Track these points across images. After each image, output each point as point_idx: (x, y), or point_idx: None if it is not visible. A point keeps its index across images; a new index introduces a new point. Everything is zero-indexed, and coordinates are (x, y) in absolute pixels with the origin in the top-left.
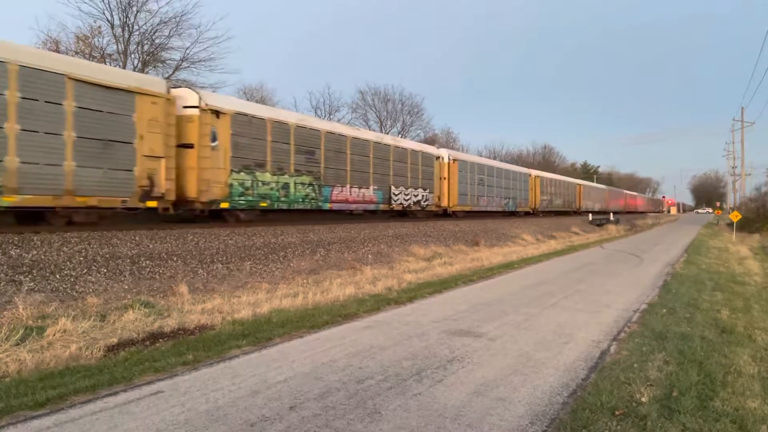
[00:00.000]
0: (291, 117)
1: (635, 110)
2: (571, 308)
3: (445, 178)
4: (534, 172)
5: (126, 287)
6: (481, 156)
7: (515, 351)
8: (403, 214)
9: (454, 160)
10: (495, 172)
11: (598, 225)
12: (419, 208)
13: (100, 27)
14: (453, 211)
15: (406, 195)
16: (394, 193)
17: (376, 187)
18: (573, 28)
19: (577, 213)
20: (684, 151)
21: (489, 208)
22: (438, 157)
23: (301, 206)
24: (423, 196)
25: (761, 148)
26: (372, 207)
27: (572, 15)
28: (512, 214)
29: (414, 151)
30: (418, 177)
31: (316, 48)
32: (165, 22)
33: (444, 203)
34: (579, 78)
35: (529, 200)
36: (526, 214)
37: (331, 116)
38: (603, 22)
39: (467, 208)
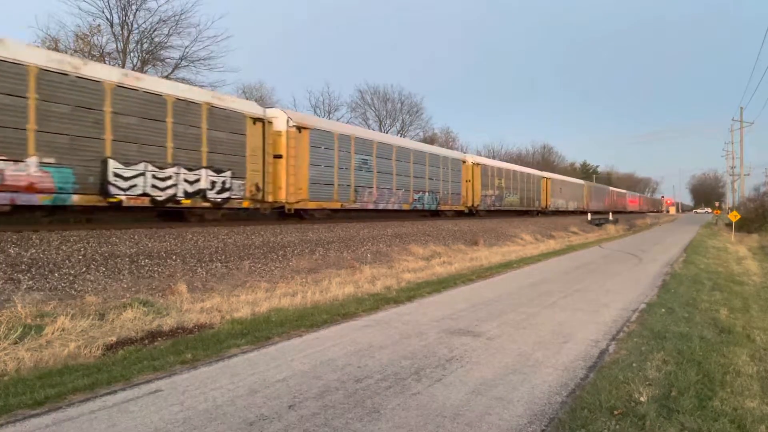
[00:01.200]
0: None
1: (635, 110)
2: (570, 308)
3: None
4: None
5: (125, 286)
6: (480, 155)
7: (514, 350)
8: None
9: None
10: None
11: (597, 225)
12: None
13: (99, 25)
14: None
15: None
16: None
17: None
18: (572, 28)
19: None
20: (683, 151)
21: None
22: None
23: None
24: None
25: (760, 148)
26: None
27: (571, 15)
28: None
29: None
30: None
31: (316, 47)
32: (164, 21)
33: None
34: (578, 78)
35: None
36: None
37: (331, 115)
38: (602, 22)
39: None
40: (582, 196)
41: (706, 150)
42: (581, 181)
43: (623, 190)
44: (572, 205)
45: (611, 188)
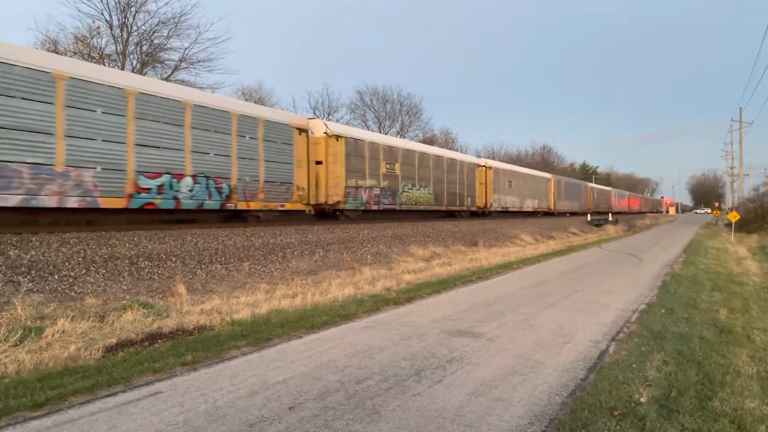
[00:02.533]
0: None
1: (634, 110)
2: (570, 308)
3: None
4: (553, 177)
5: (125, 288)
6: (479, 156)
7: (514, 351)
8: (452, 214)
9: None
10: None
11: (597, 225)
12: (464, 208)
13: (98, 27)
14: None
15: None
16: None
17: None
18: (572, 28)
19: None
20: (682, 151)
21: (515, 209)
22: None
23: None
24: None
25: (759, 148)
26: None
27: (571, 15)
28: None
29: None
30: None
31: (315, 48)
32: (164, 23)
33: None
34: (577, 78)
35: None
36: (545, 214)
37: (330, 117)
38: (602, 23)
39: (500, 209)
40: (546, 193)
41: (706, 150)
42: (548, 175)
43: (607, 187)
44: (530, 204)
45: (629, 193)
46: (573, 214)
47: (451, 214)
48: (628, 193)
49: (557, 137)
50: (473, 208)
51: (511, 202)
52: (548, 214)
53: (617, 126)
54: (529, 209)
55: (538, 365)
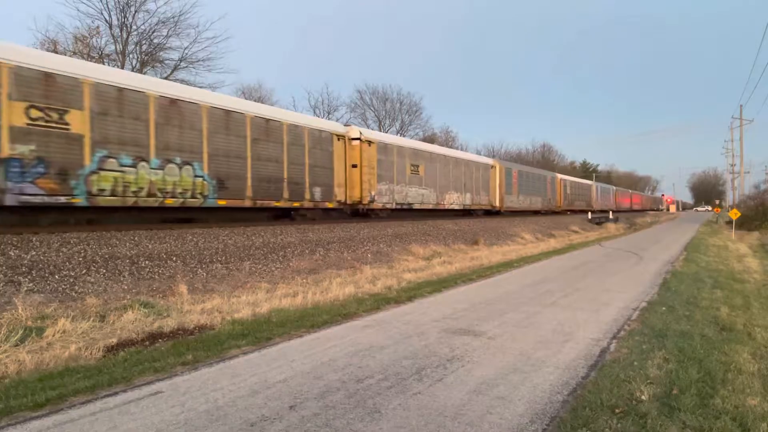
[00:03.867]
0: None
1: (635, 108)
2: (571, 307)
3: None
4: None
5: (125, 287)
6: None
7: (515, 349)
8: (469, 213)
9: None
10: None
11: (598, 223)
12: (548, 209)
13: (98, 27)
14: (502, 210)
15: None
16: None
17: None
18: (571, 27)
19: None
20: (683, 149)
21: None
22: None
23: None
24: (552, 202)
25: (760, 145)
26: (456, 207)
27: (570, 14)
28: (539, 212)
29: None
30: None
31: (315, 47)
32: (163, 22)
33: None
34: (577, 77)
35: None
36: (553, 212)
37: (330, 116)
38: (601, 21)
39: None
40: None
41: (706, 148)
42: (489, 160)
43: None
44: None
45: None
46: (536, 212)
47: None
48: (614, 188)
49: (557, 135)
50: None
51: (413, 196)
52: (491, 213)
53: (618, 124)
54: (456, 206)
55: (539, 363)
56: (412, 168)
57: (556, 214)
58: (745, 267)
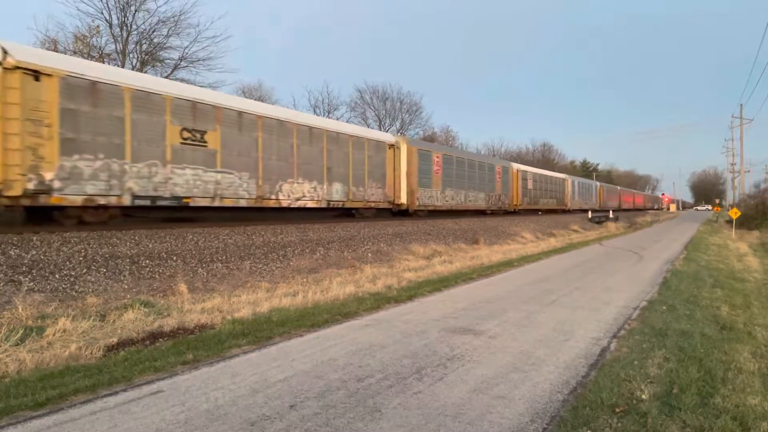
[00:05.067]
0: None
1: (635, 108)
2: (571, 305)
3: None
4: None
5: (126, 287)
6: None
7: (515, 348)
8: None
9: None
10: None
11: (598, 222)
12: (498, 207)
13: (98, 26)
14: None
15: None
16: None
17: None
18: (571, 26)
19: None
20: (683, 148)
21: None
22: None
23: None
24: (503, 199)
25: (760, 145)
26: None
27: (570, 14)
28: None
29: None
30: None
31: (315, 47)
32: (163, 22)
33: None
34: (578, 76)
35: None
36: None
37: (330, 115)
38: (602, 20)
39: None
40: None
41: (706, 147)
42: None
43: (561, 175)
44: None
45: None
46: (481, 212)
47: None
48: (597, 183)
49: (558, 135)
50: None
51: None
52: (396, 214)
53: (618, 123)
54: (308, 202)
55: (539, 362)
56: (187, 136)
57: (515, 215)
58: (746, 266)
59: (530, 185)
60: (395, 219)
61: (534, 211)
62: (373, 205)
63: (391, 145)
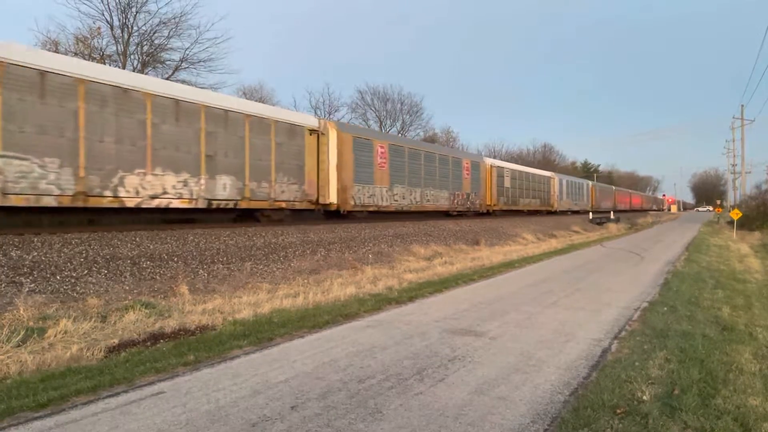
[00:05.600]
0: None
1: (635, 108)
2: (572, 307)
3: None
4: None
5: (127, 288)
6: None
7: (516, 350)
8: (248, 214)
9: (492, 166)
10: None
11: (599, 224)
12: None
13: (99, 28)
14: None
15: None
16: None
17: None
18: (572, 27)
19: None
20: (684, 149)
21: (408, 206)
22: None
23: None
24: (473, 198)
25: (761, 145)
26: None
27: (571, 14)
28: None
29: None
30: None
31: (316, 47)
32: (164, 23)
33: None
34: (579, 77)
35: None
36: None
37: (331, 116)
38: (603, 20)
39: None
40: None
41: (708, 148)
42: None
43: (546, 172)
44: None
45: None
46: (445, 214)
47: (247, 215)
48: (589, 183)
49: (559, 136)
50: (303, 205)
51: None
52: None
53: (619, 124)
54: (172, 199)
55: (540, 363)
56: (504, 179)
57: (488, 217)
58: (747, 267)
59: (508, 183)
60: (318, 224)
61: (513, 213)
62: (284, 205)
63: (313, 131)
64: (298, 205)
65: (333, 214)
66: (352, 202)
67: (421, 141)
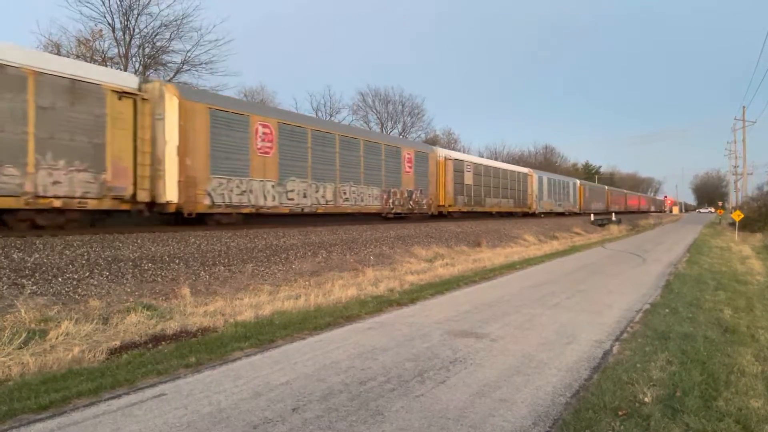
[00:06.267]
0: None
1: (636, 110)
2: (574, 308)
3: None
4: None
5: (128, 290)
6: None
7: (518, 351)
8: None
9: (447, 158)
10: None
11: (600, 225)
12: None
13: (101, 30)
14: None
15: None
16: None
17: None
18: (574, 27)
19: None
20: (686, 150)
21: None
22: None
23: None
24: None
25: (763, 147)
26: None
27: (573, 14)
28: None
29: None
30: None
31: (317, 49)
32: (166, 25)
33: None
34: (580, 78)
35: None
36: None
37: (332, 118)
38: (604, 21)
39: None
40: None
41: (709, 149)
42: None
43: (521, 168)
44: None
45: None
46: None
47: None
48: (576, 181)
49: (560, 137)
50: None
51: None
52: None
53: (620, 125)
54: None
55: (541, 365)
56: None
57: (444, 219)
58: (748, 269)
59: (469, 179)
60: (317, 226)
61: (476, 215)
62: (59, 204)
63: (131, 94)
64: (92, 204)
65: (175, 218)
66: (207, 201)
67: (341, 124)
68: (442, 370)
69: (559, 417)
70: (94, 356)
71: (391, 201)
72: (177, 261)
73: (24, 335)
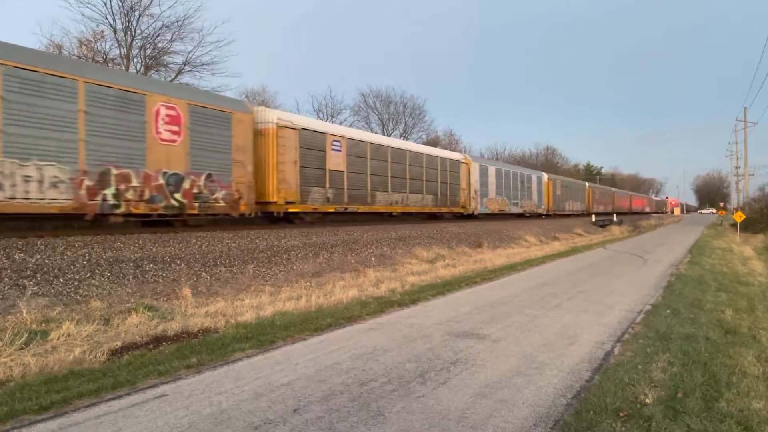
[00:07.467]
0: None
1: (638, 111)
2: (575, 309)
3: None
4: (473, 161)
5: (129, 291)
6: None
7: (519, 353)
8: (541, 216)
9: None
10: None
11: (602, 226)
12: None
13: (102, 31)
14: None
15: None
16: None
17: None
18: (575, 28)
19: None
20: (687, 151)
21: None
22: (464, 163)
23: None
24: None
25: (764, 147)
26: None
27: (574, 16)
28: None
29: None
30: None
31: (318, 50)
32: (167, 27)
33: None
34: (582, 79)
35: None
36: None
37: (334, 119)
38: (605, 22)
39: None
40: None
41: (710, 150)
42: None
43: (645, 195)
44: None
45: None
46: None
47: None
48: (560, 179)
49: (561, 138)
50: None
51: None
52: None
53: (621, 126)
54: None
55: (542, 366)
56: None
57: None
58: (750, 270)
59: (339, 164)
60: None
61: (349, 219)
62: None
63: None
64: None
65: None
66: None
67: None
68: (443, 371)
69: (560, 418)
70: (96, 357)
71: (142, 193)
72: (178, 262)
73: (25, 336)
